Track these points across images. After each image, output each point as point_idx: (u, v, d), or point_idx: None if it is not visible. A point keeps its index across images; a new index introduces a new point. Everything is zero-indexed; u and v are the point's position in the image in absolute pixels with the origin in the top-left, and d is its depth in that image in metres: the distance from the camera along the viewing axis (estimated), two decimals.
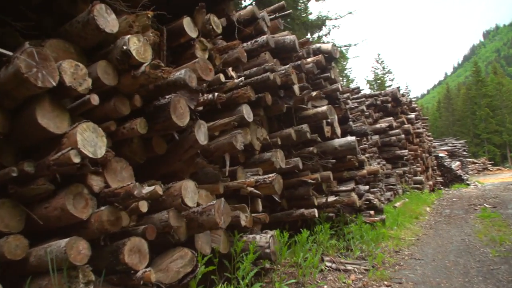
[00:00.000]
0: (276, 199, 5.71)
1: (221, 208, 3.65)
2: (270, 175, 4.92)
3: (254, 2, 18.31)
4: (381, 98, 17.64)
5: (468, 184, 24.59)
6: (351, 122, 9.21)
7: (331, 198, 7.02)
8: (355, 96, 15.97)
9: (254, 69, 5.54)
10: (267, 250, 4.36)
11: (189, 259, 3.48)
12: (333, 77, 8.31)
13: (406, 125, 18.34)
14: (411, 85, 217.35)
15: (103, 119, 3.31)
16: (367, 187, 8.95)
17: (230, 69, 5.21)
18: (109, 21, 3.20)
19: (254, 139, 5.49)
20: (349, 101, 11.06)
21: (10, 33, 3.18)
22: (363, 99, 15.87)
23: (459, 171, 27.64)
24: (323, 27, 24.89)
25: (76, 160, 2.65)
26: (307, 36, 18.87)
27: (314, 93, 6.97)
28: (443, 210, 13.50)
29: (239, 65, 5.67)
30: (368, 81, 63.65)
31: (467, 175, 29.25)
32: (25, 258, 2.72)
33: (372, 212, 8.71)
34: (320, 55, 7.82)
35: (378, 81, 62.77)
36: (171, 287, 3.35)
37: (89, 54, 3.42)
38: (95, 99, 3.00)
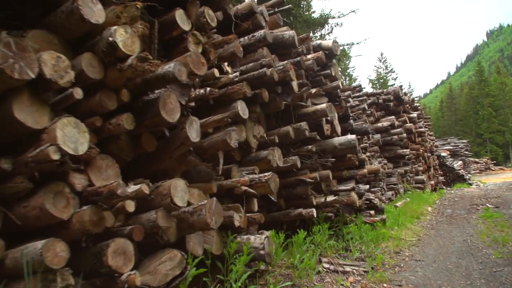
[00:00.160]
0: (272, 198, 5.56)
1: (212, 208, 3.49)
2: (266, 173, 4.76)
3: None
4: (383, 96, 17.49)
5: (470, 184, 24.45)
6: (351, 121, 9.04)
7: (330, 198, 6.86)
8: (357, 94, 15.81)
9: (251, 64, 5.37)
10: (262, 252, 4.21)
11: (178, 261, 3.32)
12: (333, 74, 8.14)
13: (408, 124, 18.20)
14: (414, 85, 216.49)
15: (88, 114, 3.15)
16: (367, 186, 8.81)
17: (225, 64, 5.05)
18: (94, 11, 3.04)
19: (251, 136, 5.34)
20: (350, 99, 10.90)
21: None
22: (365, 97, 15.71)
23: (461, 170, 27.48)
24: (326, 25, 24.76)
25: (55, 157, 2.50)
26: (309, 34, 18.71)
27: (313, 90, 6.80)
28: (445, 210, 13.36)
29: (236, 61, 5.51)
30: (370, 80, 63.53)
31: (469, 175, 29.14)
32: (1, 260, 2.57)
33: (372, 212, 8.57)
34: (321, 52, 7.65)
35: (381, 80, 62.60)
36: None
37: (75, 46, 3.26)
38: (78, 93, 2.84)
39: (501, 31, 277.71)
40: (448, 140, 39.67)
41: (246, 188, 4.47)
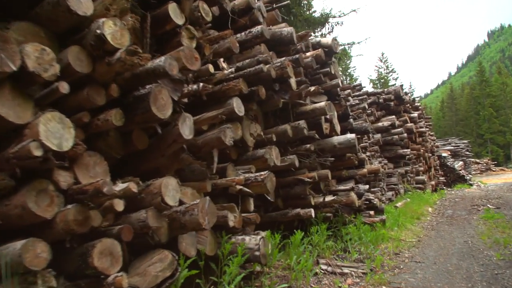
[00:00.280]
0: (269, 198, 5.43)
1: (205, 208, 3.37)
2: (262, 172, 4.64)
3: None
4: (383, 96, 17.38)
5: (471, 184, 24.32)
6: (351, 120, 8.91)
7: (328, 198, 6.74)
8: (357, 93, 15.67)
9: (247, 60, 5.23)
10: (257, 253, 4.09)
11: (168, 263, 3.21)
12: (333, 72, 8.03)
13: (409, 124, 18.08)
14: (414, 85, 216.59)
15: (76, 110, 3.04)
16: (367, 186, 8.69)
17: (221, 60, 4.92)
18: (82, 3, 2.92)
19: (247, 134, 5.22)
20: (350, 98, 10.80)
21: None
22: (365, 96, 15.58)
23: (462, 171, 27.35)
24: (326, 24, 24.64)
25: (38, 153, 2.39)
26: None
27: (312, 88, 6.67)
28: (446, 210, 13.24)
29: (232, 57, 5.39)
30: (371, 80, 63.34)
31: (470, 175, 28.98)
32: None
33: (372, 212, 8.46)
34: (320, 49, 7.53)
35: (382, 80, 62.40)
36: None
37: (63, 40, 3.15)
38: (64, 87, 2.73)
39: (502, 32, 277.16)
40: (449, 140, 39.55)
41: (241, 187, 4.35)
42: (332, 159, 7.20)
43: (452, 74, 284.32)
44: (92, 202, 2.76)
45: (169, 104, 3.33)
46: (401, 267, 5.83)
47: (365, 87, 18.07)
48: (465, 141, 40.01)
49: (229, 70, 4.64)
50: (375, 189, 10.78)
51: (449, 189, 23.01)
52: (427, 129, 22.85)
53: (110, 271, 2.73)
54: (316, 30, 23.99)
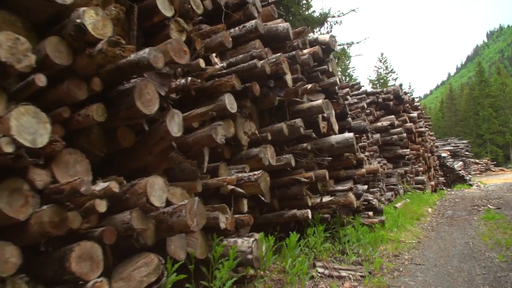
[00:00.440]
0: (263, 199, 5.25)
1: (194, 209, 3.20)
2: (256, 172, 4.47)
3: None
4: (383, 95, 17.23)
5: (471, 185, 24.18)
6: (349, 119, 8.74)
7: (326, 198, 6.57)
8: (356, 92, 15.48)
9: (240, 56, 5.05)
10: (249, 256, 3.90)
11: (154, 267, 3.03)
12: (330, 70, 7.86)
13: (408, 124, 17.93)
14: (414, 85, 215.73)
15: (56, 104, 2.87)
16: (366, 186, 8.51)
17: (213, 55, 4.74)
18: None
19: (241, 133, 5.04)
20: (348, 96, 10.64)
21: None
22: (364, 95, 15.39)
23: (462, 171, 27.22)
24: (325, 23, 24.49)
25: (9, 149, 2.21)
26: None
27: (309, 86, 6.49)
28: (446, 211, 13.07)
29: (226, 53, 5.22)
30: (370, 81, 63.20)
31: (469, 176, 28.83)
32: None
33: (370, 213, 8.28)
34: (317, 46, 7.36)
35: (381, 81, 62.28)
36: None
37: (43, 31, 2.97)
38: (41, 79, 2.55)
39: (501, 32, 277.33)
40: (449, 140, 39.46)
41: (233, 187, 4.17)
42: (330, 158, 7.03)
43: (452, 74, 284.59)
44: (70, 203, 2.58)
45: (155, 99, 3.15)
46: (401, 269, 5.65)
47: (363, 86, 17.90)
48: (465, 142, 39.93)
49: (221, 65, 4.46)
50: (374, 189, 10.61)
51: (448, 189, 22.86)
52: (427, 129, 22.69)
53: (90, 276, 2.56)
54: (315, 30, 23.83)
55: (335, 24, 23.89)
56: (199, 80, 3.71)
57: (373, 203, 8.54)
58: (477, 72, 75.80)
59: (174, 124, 3.42)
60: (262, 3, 6.50)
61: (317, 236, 5.78)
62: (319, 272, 5.01)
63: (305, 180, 6.10)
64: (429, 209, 13.37)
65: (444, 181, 24.63)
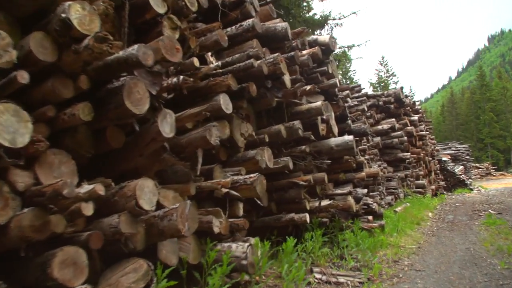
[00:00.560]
0: (259, 202, 5.11)
1: (185, 212, 3.08)
2: (252, 175, 4.34)
3: None
4: (383, 98, 17.10)
5: (472, 189, 24.00)
6: (349, 121, 8.61)
7: (325, 202, 6.43)
8: (356, 95, 15.35)
9: (236, 55, 4.93)
10: (244, 262, 3.77)
11: (143, 273, 2.90)
12: (330, 71, 7.74)
13: (409, 127, 17.79)
14: (415, 89, 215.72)
15: (41, 103, 2.75)
16: (365, 190, 8.36)
17: (209, 54, 4.61)
18: None
19: (237, 134, 4.91)
20: (348, 99, 10.51)
21: None
22: (364, 98, 15.24)
23: (462, 175, 27.06)
24: (326, 25, 24.42)
25: None
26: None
27: (308, 87, 6.37)
28: (446, 215, 12.93)
29: (222, 52, 5.10)
30: (371, 84, 63.04)
31: (470, 180, 28.64)
32: None
33: (370, 217, 8.15)
34: (317, 47, 7.25)
35: (382, 84, 62.12)
36: None
37: (27, 27, 2.85)
38: (23, 76, 2.43)
39: (502, 36, 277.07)
40: (449, 144, 39.33)
41: (228, 190, 4.04)
42: (329, 161, 6.90)
43: (453, 78, 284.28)
44: (54, 205, 2.46)
45: (145, 98, 3.03)
46: (400, 276, 5.51)
47: (364, 88, 17.77)
48: (466, 146, 39.81)
49: (215, 64, 4.34)
50: (374, 193, 10.47)
51: (449, 193, 22.71)
52: (428, 132, 22.55)
53: (73, 283, 2.43)
54: (315, 32, 23.74)
55: (335, 26, 23.86)
56: (191, 79, 3.59)
57: (373, 207, 8.41)
58: (478, 76, 75.67)
59: (166, 125, 3.30)
60: (260, 2, 6.39)
61: (315, 240, 5.64)
62: (316, 278, 4.87)
63: (303, 183, 5.98)
64: (430, 214, 13.23)
65: (445, 185, 24.47)
